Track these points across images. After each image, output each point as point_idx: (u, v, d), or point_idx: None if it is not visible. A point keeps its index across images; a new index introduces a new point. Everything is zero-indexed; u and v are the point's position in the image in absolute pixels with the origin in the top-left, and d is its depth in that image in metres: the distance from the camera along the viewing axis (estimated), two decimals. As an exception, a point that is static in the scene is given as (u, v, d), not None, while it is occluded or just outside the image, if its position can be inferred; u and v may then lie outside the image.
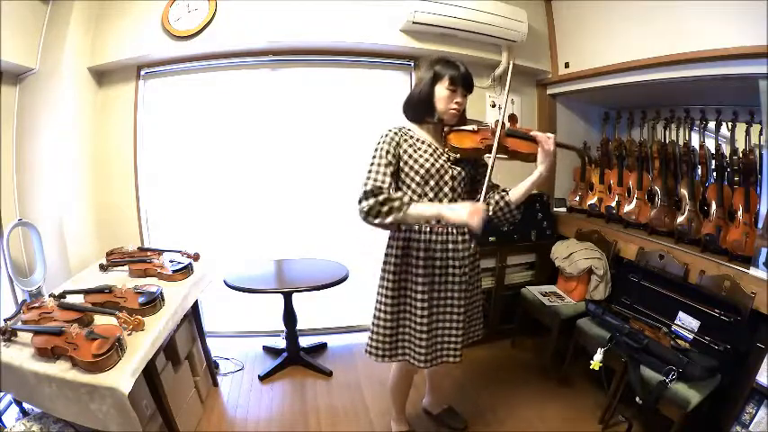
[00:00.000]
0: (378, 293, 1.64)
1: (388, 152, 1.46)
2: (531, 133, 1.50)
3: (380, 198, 1.37)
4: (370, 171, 1.44)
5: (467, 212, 1.33)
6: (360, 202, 1.40)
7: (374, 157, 1.47)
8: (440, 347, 1.62)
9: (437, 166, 1.49)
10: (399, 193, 1.43)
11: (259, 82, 2.74)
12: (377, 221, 1.38)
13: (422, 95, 1.50)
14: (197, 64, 2.64)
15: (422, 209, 1.41)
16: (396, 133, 1.50)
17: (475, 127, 1.55)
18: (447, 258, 1.55)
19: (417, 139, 1.52)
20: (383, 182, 1.41)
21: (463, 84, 1.48)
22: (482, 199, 1.47)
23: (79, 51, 2.34)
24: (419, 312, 1.55)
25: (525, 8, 2.58)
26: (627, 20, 2.29)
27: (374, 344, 1.64)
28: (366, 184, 1.41)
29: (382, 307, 1.60)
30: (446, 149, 1.54)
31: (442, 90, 1.47)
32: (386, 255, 1.61)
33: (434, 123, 1.54)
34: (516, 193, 1.53)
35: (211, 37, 2.42)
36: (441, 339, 1.62)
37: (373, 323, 1.65)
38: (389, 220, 1.37)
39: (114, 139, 2.61)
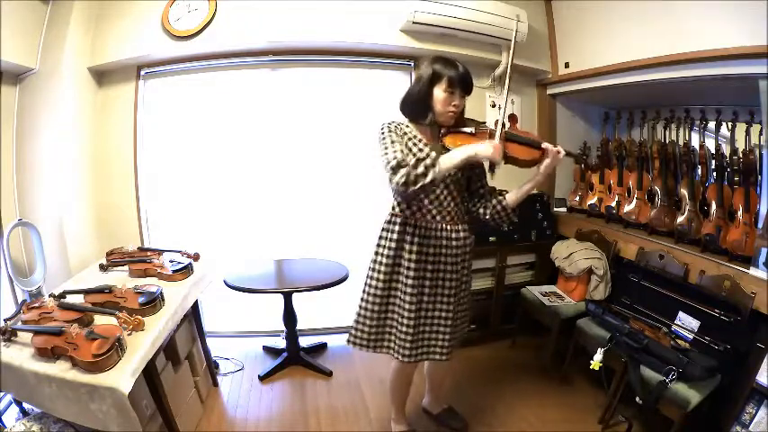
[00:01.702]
0: (366, 282, 1.64)
1: (394, 134, 1.46)
2: (543, 145, 1.48)
3: (412, 162, 1.37)
4: (386, 151, 1.41)
5: (491, 149, 1.38)
6: (391, 180, 1.37)
7: (384, 140, 1.45)
8: (426, 343, 1.63)
9: None
10: (423, 153, 1.43)
11: (259, 82, 2.74)
12: (418, 186, 1.35)
13: (420, 96, 1.49)
14: (197, 64, 2.64)
15: (452, 155, 1.41)
16: (396, 126, 1.51)
17: (473, 129, 1.53)
18: (440, 254, 1.55)
19: (415, 136, 1.53)
20: (404, 153, 1.40)
21: (461, 85, 1.47)
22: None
23: (79, 51, 2.34)
24: (407, 306, 1.56)
25: (525, 8, 2.58)
26: (627, 20, 2.29)
27: (358, 333, 1.65)
28: (390, 162, 1.38)
29: (370, 296, 1.61)
30: (442, 151, 1.52)
31: (439, 92, 1.47)
32: (378, 245, 1.61)
33: (431, 125, 1.53)
34: (513, 197, 1.55)
35: (211, 37, 2.42)
36: (428, 336, 1.62)
37: (359, 312, 1.65)
38: (429, 178, 1.35)
39: (114, 139, 2.61)
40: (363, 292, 1.66)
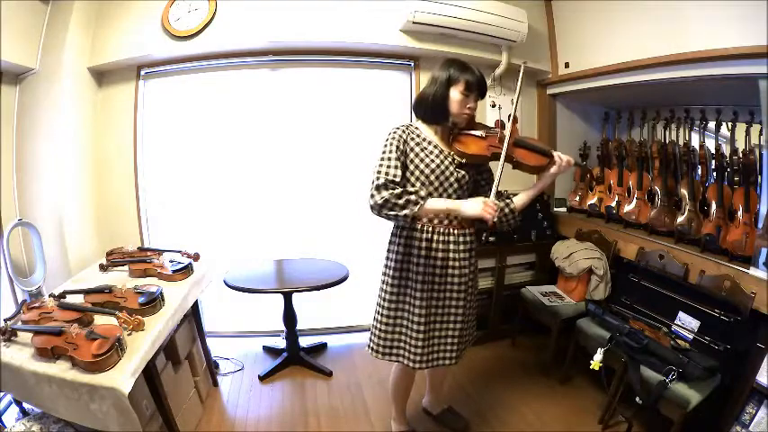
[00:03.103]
0: (379, 292, 1.66)
1: (397, 147, 1.48)
2: (554, 153, 1.50)
3: (397, 191, 1.39)
4: (380, 165, 1.46)
5: (481, 207, 1.39)
6: (372, 195, 1.42)
7: (383, 152, 1.49)
8: (436, 349, 1.63)
9: (442, 168, 1.50)
10: (416, 187, 1.45)
11: (259, 82, 2.74)
12: (392, 214, 1.40)
13: (436, 97, 1.50)
14: (197, 64, 2.64)
15: (437, 204, 1.45)
16: (404, 131, 1.52)
17: (483, 133, 1.55)
18: (447, 259, 1.55)
19: (424, 139, 1.54)
20: (395, 175, 1.44)
21: (477, 88, 1.50)
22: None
23: (79, 51, 2.34)
24: (417, 312, 1.56)
25: (525, 8, 2.58)
26: (627, 20, 2.29)
27: (375, 339, 1.67)
28: (378, 178, 1.43)
29: (384, 303, 1.62)
30: (452, 152, 1.54)
31: (456, 94, 1.48)
32: (387, 253, 1.63)
33: (444, 126, 1.55)
34: (520, 201, 1.58)
35: (211, 37, 2.42)
36: (438, 341, 1.62)
37: (375, 318, 1.67)
38: (405, 212, 1.39)
39: (114, 139, 2.61)
40: (377, 300, 1.67)
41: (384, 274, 1.64)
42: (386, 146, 1.50)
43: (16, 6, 2.05)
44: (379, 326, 1.64)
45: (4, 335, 1.42)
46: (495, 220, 1.46)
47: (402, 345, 1.63)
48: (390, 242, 1.63)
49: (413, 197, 1.40)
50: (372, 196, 1.42)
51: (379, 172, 1.44)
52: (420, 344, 1.57)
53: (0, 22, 1.95)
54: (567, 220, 2.93)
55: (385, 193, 1.40)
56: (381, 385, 2.34)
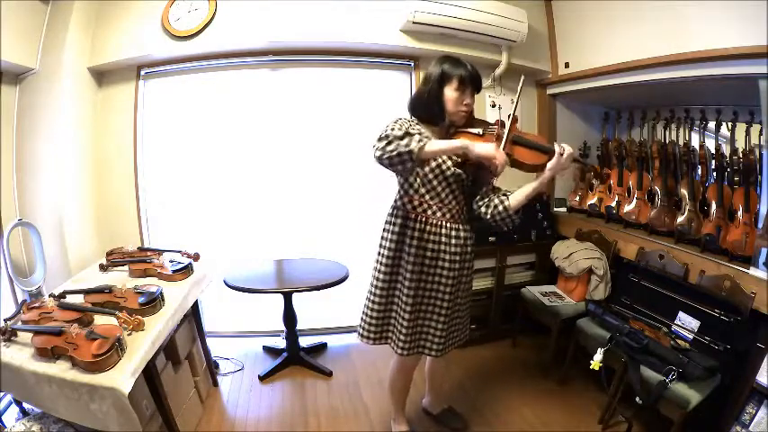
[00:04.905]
0: (371, 279, 1.68)
1: (401, 126, 1.46)
2: (555, 145, 1.45)
3: (399, 133, 1.32)
4: (387, 125, 1.45)
5: (494, 148, 1.37)
6: (374, 145, 1.36)
7: (392, 120, 1.50)
8: (420, 337, 1.64)
9: (442, 166, 1.51)
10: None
11: (259, 82, 2.74)
12: (395, 152, 1.30)
13: (430, 97, 1.51)
14: (197, 64, 2.64)
15: (444, 142, 1.41)
16: (407, 120, 1.54)
17: (481, 131, 1.54)
18: (439, 251, 1.56)
19: (425, 135, 1.54)
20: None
21: (471, 84, 1.50)
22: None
23: (79, 51, 2.34)
24: (405, 300, 1.58)
25: (525, 8, 2.58)
26: (627, 20, 2.29)
27: (364, 325, 1.69)
28: (383, 131, 1.38)
29: (375, 288, 1.65)
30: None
31: (450, 91, 1.49)
32: (382, 237, 1.64)
33: (441, 125, 1.55)
34: (515, 198, 1.52)
35: (211, 37, 2.42)
36: (422, 330, 1.64)
37: (365, 304, 1.69)
38: (411, 147, 1.29)
39: (114, 139, 2.61)
40: (369, 286, 1.69)
41: (377, 261, 1.65)
42: (395, 120, 1.51)
43: (16, 6, 2.05)
44: (370, 312, 1.67)
45: (4, 335, 1.42)
46: (504, 165, 1.40)
47: (391, 329, 1.66)
48: (384, 229, 1.64)
49: (416, 136, 1.33)
50: (374, 146, 1.36)
51: (386, 128, 1.41)
52: (406, 331, 1.60)
53: (0, 22, 1.95)
54: (567, 220, 2.93)
55: (390, 133, 1.33)
56: (381, 385, 2.34)
